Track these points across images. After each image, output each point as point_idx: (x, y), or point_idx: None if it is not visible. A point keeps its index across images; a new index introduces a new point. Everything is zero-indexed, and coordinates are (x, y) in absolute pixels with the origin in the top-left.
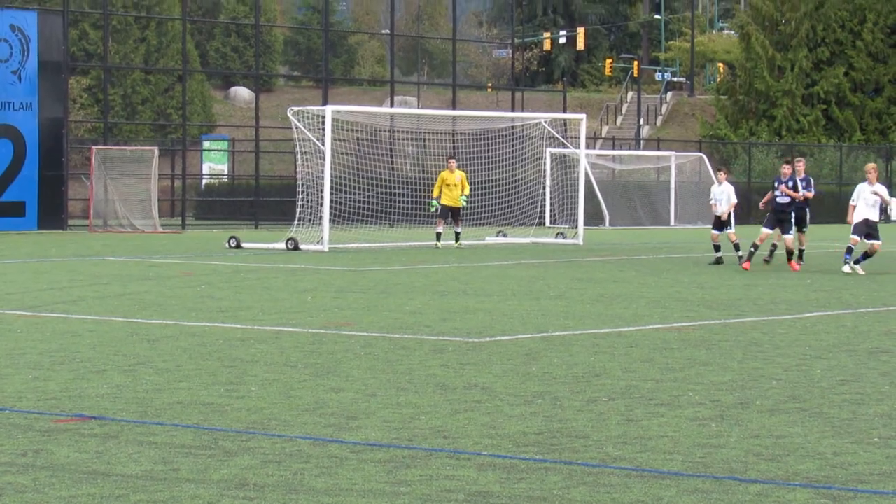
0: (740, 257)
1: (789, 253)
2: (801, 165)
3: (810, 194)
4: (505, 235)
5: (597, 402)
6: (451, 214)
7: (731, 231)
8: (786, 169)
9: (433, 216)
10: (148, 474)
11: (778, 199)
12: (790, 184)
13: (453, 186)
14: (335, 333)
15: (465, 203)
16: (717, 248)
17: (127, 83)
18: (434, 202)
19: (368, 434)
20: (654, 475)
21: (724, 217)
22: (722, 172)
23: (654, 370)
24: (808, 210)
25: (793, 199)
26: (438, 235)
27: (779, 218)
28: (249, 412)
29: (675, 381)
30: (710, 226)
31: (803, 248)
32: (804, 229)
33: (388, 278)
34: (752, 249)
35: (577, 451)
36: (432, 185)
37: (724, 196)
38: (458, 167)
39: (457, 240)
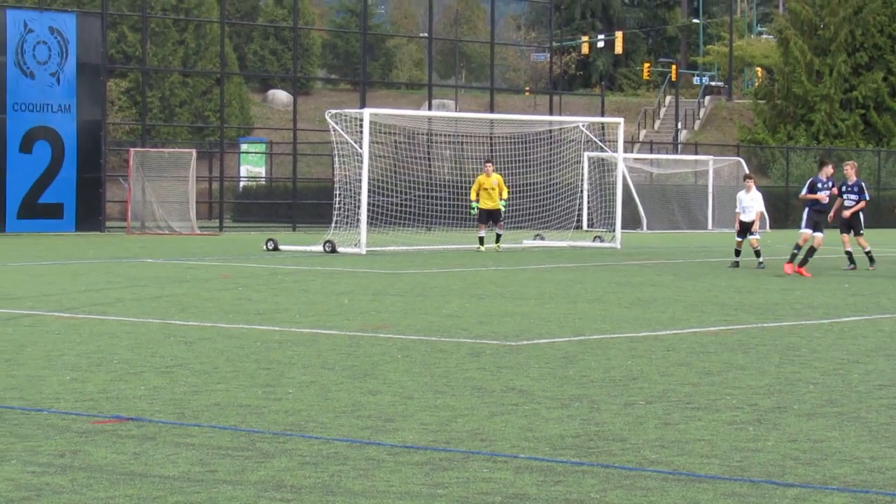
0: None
1: (811, 251)
2: (850, 170)
3: (863, 204)
4: (542, 238)
5: (634, 406)
6: (490, 218)
7: (755, 237)
8: (829, 169)
9: (473, 219)
10: (185, 475)
11: (823, 202)
12: (830, 185)
13: (490, 190)
14: (372, 336)
15: (504, 206)
16: (738, 254)
17: (165, 86)
18: (474, 205)
19: (406, 436)
20: (691, 479)
21: (756, 226)
22: (752, 180)
23: (692, 374)
24: (860, 213)
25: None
26: (481, 240)
27: (817, 220)
28: (287, 414)
29: (713, 385)
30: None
31: (868, 249)
32: (861, 232)
33: (426, 281)
34: (794, 251)
35: (615, 454)
36: (470, 188)
37: (753, 204)
38: (496, 171)
39: (497, 241)
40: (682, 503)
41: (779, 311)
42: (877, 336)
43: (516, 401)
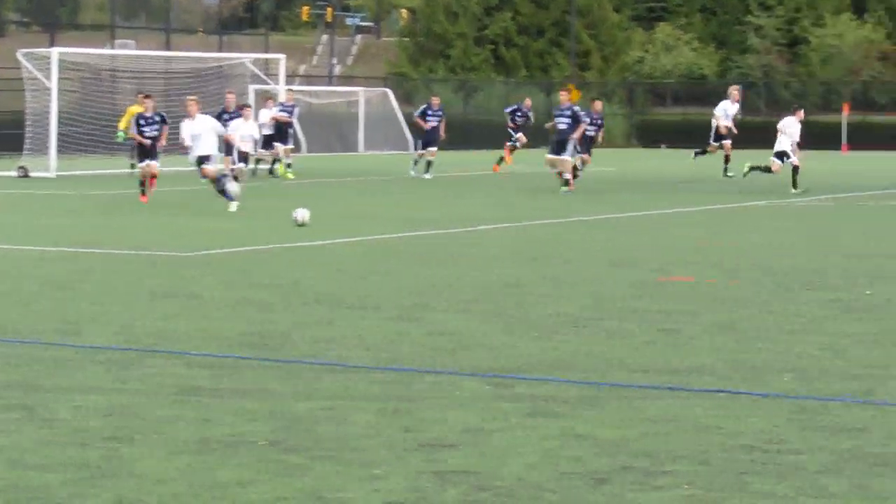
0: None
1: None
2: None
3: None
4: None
5: (295, 307)
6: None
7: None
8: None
9: (119, 145)
10: None
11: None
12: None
13: None
14: (67, 251)
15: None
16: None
17: None
18: (121, 133)
19: (94, 339)
20: (345, 369)
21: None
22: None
23: (347, 278)
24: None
25: None
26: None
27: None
28: None
29: (365, 288)
30: (387, 152)
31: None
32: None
33: (113, 201)
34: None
35: (277, 349)
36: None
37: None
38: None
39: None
40: (336, 390)
41: (423, 223)
42: (509, 242)
43: (190, 305)
